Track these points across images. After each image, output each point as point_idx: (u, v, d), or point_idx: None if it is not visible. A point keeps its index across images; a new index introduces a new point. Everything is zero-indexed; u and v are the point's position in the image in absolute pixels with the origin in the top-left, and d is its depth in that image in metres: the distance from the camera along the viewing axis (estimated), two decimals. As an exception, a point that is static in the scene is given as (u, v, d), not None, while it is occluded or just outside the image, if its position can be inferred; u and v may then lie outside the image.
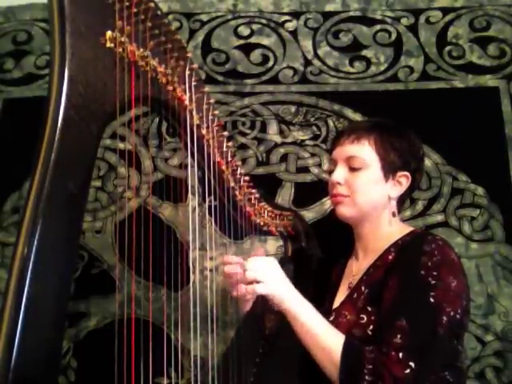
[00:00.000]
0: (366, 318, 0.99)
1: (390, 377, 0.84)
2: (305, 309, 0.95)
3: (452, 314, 0.92)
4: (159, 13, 0.84)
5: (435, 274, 0.93)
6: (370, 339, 0.96)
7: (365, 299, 1.02)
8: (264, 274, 0.95)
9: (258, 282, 0.94)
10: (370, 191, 1.08)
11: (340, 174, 1.10)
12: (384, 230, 1.11)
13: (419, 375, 0.86)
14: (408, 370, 0.85)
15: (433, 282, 0.92)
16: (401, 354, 0.86)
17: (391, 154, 1.08)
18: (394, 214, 1.12)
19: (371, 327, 0.97)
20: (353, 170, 1.09)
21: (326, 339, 0.92)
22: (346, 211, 1.10)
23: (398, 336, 0.88)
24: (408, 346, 0.87)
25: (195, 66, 0.94)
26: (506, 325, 1.46)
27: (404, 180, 1.11)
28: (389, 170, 1.09)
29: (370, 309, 0.99)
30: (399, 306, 0.92)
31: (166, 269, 1.06)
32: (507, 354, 1.44)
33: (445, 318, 0.90)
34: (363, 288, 1.04)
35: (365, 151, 1.08)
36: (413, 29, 1.74)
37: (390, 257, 1.03)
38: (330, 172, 1.15)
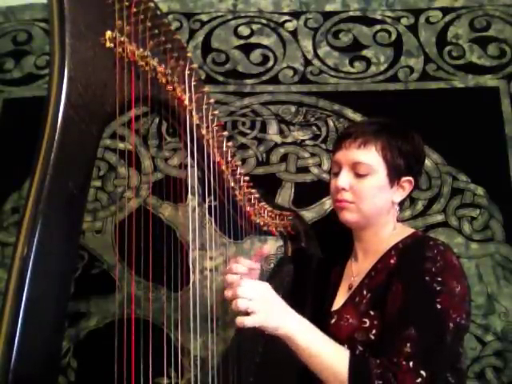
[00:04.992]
0: (368, 323, 0.98)
1: None
2: (301, 330, 0.90)
3: (458, 319, 0.92)
4: (159, 13, 0.84)
5: (440, 280, 0.93)
6: (372, 343, 0.96)
7: (367, 303, 1.01)
8: (255, 304, 0.86)
9: (248, 314, 0.86)
10: (374, 198, 1.07)
11: (345, 179, 1.08)
12: (386, 233, 1.11)
13: (429, 383, 0.86)
14: (419, 379, 0.85)
15: (438, 288, 0.92)
16: (411, 363, 0.86)
17: (397, 160, 1.07)
18: (397, 219, 1.12)
19: (374, 331, 0.97)
20: (358, 175, 1.07)
21: (327, 357, 0.89)
22: (350, 217, 1.09)
23: (408, 345, 0.87)
24: (418, 354, 0.87)
25: (195, 65, 0.94)
26: (506, 325, 1.46)
27: (407, 185, 1.10)
28: (394, 176, 1.08)
29: (372, 313, 0.99)
30: (407, 314, 0.92)
31: (166, 269, 1.06)
32: (507, 353, 1.44)
33: (451, 324, 0.91)
34: (365, 292, 1.04)
35: (371, 157, 1.06)
36: (413, 29, 1.74)
37: (392, 261, 1.03)
38: (333, 173, 1.13)
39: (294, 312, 0.92)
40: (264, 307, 0.88)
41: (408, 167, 1.09)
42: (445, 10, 1.75)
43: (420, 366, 0.86)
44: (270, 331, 0.89)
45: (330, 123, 1.66)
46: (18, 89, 1.76)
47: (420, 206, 1.57)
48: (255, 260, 1.13)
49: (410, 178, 1.10)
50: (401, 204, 1.15)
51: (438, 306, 0.91)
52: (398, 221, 1.15)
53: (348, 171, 1.08)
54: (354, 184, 1.08)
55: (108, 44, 0.73)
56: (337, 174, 1.11)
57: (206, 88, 0.99)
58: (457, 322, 0.91)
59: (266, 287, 0.91)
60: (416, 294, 0.94)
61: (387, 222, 1.11)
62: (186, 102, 0.93)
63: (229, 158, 1.09)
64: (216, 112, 1.02)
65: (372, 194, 1.07)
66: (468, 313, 0.97)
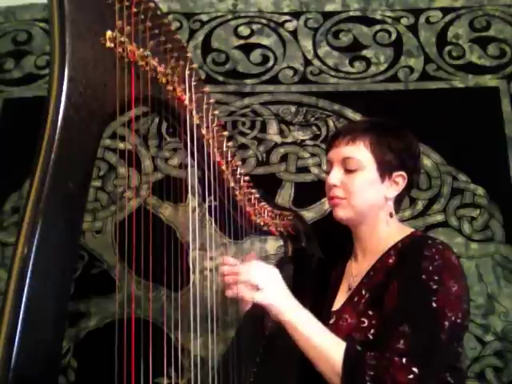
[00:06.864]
0: (367, 322, 0.98)
1: (392, 383, 0.84)
2: (304, 319, 0.94)
3: (453, 318, 0.91)
4: (159, 13, 0.84)
5: (436, 278, 0.92)
6: (370, 343, 0.95)
7: (366, 303, 1.02)
8: (265, 282, 0.94)
9: (258, 289, 0.93)
10: (365, 192, 1.08)
11: (336, 176, 1.10)
12: (382, 230, 1.11)
13: (422, 380, 0.86)
14: (411, 376, 0.85)
15: (434, 286, 0.92)
16: (404, 360, 0.85)
17: (387, 155, 1.08)
18: (391, 215, 1.11)
19: (372, 331, 0.97)
20: (348, 171, 1.08)
21: (326, 349, 0.91)
22: (342, 213, 1.10)
23: (401, 341, 0.87)
24: (411, 351, 0.86)
25: (195, 65, 0.94)
26: (506, 325, 1.46)
27: (400, 180, 1.10)
28: (385, 171, 1.08)
29: (371, 313, 0.99)
30: (401, 311, 0.92)
31: (166, 269, 1.06)
32: (507, 353, 1.44)
33: (446, 323, 0.90)
34: (364, 292, 1.04)
35: (360, 152, 1.08)
36: (413, 29, 1.74)
37: (391, 260, 1.03)
38: (326, 172, 1.15)
39: (298, 302, 0.96)
40: (274, 288, 0.94)
41: (400, 163, 1.09)
42: (445, 10, 1.76)
43: (412, 362, 0.85)
44: (274, 314, 0.94)
45: (330, 123, 1.67)
46: (18, 89, 1.76)
47: (420, 206, 1.57)
48: None
49: (403, 173, 1.10)
50: (398, 202, 1.14)
51: (434, 305, 0.90)
52: (395, 219, 1.14)
53: (339, 168, 1.10)
54: (345, 180, 1.09)
55: (108, 44, 0.73)
56: (329, 173, 1.12)
57: (206, 88, 0.99)
58: (452, 320, 0.91)
59: (275, 271, 0.98)
60: (412, 292, 0.94)
61: (381, 217, 1.11)
62: (186, 101, 0.93)
63: (229, 158, 1.09)
64: (216, 112, 1.02)
65: (363, 189, 1.08)
66: (466, 312, 0.96)
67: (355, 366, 0.88)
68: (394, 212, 1.12)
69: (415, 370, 0.85)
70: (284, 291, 0.96)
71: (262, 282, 0.94)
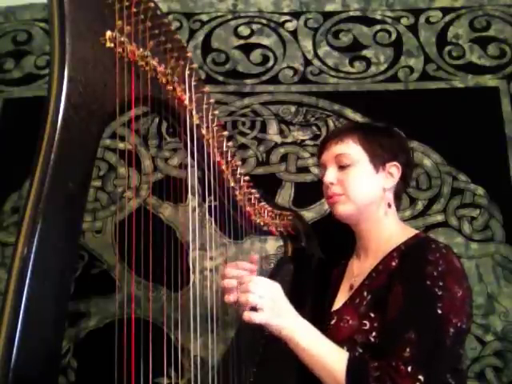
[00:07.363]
0: (368, 325, 0.98)
1: None
2: (305, 333, 0.92)
3: (459, 324, 0.91)
4: (159, 13, 0.84)
5: (441, 284, 0.92)
6: (372, 345, 0.95)
7: (367, 305, 1.01)
8: (263, 303, 0.89)
9: (257, 310, 0.89)
10: (362, 185, 1.09)
11: (331, 174, 1.11)
12: (382, 226, 1.10)
13: None
14: None
15: (439, 292, 0.91)
16: (409, 368, 0.85)
17: (377, 149, 1.10)
18: (389, 205, 1.11)
19: (373, 334, 0.97)
20: (342, 167, 1.10)
21: (328, 360, 0.90)
22: (342, 209, 1.10)
23: (407, 349, 0.87)
24: (417, 359, 0.86)
25: (195, 65, 0.94)
26: (506, 325, 1.46)
27: (395, 170, 1.11)
28: (378, 162, 1.09)
29: (372, 315, 0.99)
30: (407, 317, 0.91)
31: (166, 269, 1.06)
32: (507, 353, 1.44)
33: (452, 329, 0.90)
34: (366, 293, 1.04)
35: (350, 148, 1.10)
36: (413, 29, 1.74)
37: (394, 263, 1.02)
38: (322, 175, 1.16)
39: (298, 314, 0.93)
40: (272, 306, 0.90)
41: (392, 155, 1.11)
42: (445, 10, 1.76)
43: (418, 370, 0.85)
44: (273, 331, 0.91)
45: (330, 123, 1.66)
46: (18, 89, 1.76)
47: (420, 205, 1.57)
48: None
49: (397, 163, 1.11)
50: (397, 197, 1.15)
51: (439, 311, 0.90)
52: (396, 214, 1.14)
53: (333, 167, 1.12)
54: (340, 176, 1.11)
55: (108, 44, 0.73)
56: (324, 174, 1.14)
57: (206, 88, 0.99)
58: (457, 326, 0.91)
59: (277, 287, 0.94)
60: (417, 298, 0.93)
61: (381, 212, 1.11)
62: (186, 101, 0.93)
63: (229, 158, 1.09)
64: (216, 112, 1.02)
65: (359, 182, 1.09)
66: (469, 315, 0.96)
67: (359, 378, 0.87)
68: (392, 203, 1.12)
69: (421, 377, 0.85)
70: (283, 307, 0.93)
71: (260, 303, 0.89)
